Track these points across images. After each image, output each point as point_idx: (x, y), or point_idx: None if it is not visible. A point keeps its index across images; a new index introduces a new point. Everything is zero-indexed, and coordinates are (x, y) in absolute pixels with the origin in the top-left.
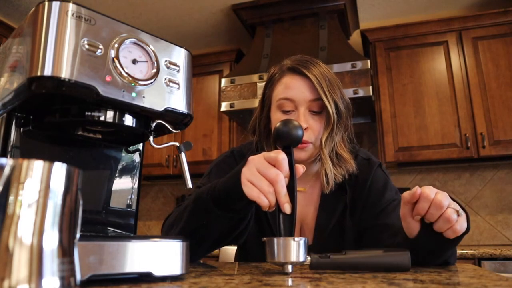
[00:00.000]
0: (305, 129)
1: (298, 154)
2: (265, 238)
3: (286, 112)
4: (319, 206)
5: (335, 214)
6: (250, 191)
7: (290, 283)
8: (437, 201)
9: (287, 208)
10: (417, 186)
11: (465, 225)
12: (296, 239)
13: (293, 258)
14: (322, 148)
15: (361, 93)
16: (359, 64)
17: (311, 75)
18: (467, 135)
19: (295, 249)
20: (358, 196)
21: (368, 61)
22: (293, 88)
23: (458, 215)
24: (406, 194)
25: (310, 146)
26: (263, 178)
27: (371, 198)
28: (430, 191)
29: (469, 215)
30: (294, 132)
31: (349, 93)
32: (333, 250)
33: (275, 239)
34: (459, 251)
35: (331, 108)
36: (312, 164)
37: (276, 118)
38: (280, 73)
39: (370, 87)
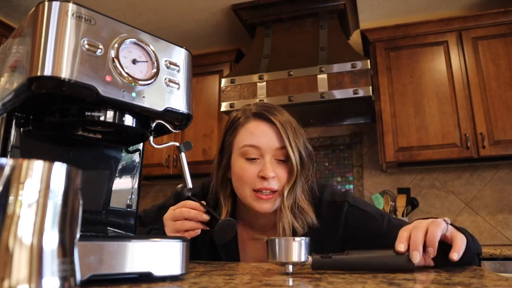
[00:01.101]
0: (272, 177)
1: (263, 205)
2: (266, 238)
3: (251, 160)
4: None
5: None
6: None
7: (290, 283)
8: (430, 237)
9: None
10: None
11: (465, 241)
12: (297, 239)
13: (294, 258)
14: (283, 200)
15: (361, 93)
16: (359, 64)
17: (277, 122)
18: (467, 135)
19: (297, 249)
20: (338, 239)
21: (368, 61)
22: (258, 135)
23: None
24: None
25: (276, 196)
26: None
27: (359, 235)
28: (417, 238)
29: (470, 236)
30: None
31: (349, 93)
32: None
33: (277, 239)
34: None
35: (294, 158)
36: (273, 214)
37: (239, 166)
38: (244, 118)
39: (370, 87)
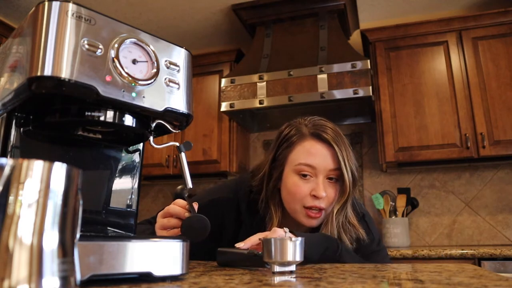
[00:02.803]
0: (323, 197)
1: (311, 221)
2: (262, 238)
3: (304, 177)
4: None
5: None
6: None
7: (290, 283)
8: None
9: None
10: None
11: None
12: (293, 239)
13: (289, 258)
14: (332, 217)
15: (361, 93)
16: (359, 64)
17: (334, 144)
18: (467, 135)
19: (292, 249)
20: None
21: (368, 61)
22: (316, 156)
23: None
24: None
25: (323, 213)
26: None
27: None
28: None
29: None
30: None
31: (349, 93)
32: None
33: (272, 239)
34: (459, 251)
35: (348, 179)
36: None
37: (292, 181)
38: (300, 136)
39: (370, 87)
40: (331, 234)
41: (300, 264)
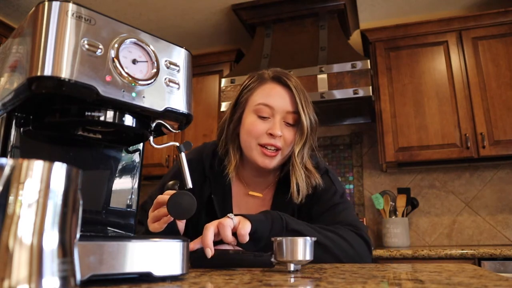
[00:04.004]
0: (279, 136)
1: (265, 160)
2: (273, 238)
3: (262, 118)
4: (271, 209)
5: None
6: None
7: (290, 283)
8: (223, 237)
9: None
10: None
11: (248, 226)
12: (301, 238)
13: (300, 257)
14: (294, 158)
15: (361, 93)
16: (359, 64)
17: (292, 87)
18: (467, 135)
19: (302, 248)
20: (305, 200)
21: (368, 61)
22: (273, 96)
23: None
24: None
25: (279, 154)
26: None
27: (316, 201)
28: (207, 239)
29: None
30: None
31: (349, 93)
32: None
33: (284, 239)
34: (459, 251)
35: (306, 121)
36: (271, 173)
37: (250, 122)
38: (261, 80)
39: (370, 87)
40: (300, 176)
41: (257, 242)
